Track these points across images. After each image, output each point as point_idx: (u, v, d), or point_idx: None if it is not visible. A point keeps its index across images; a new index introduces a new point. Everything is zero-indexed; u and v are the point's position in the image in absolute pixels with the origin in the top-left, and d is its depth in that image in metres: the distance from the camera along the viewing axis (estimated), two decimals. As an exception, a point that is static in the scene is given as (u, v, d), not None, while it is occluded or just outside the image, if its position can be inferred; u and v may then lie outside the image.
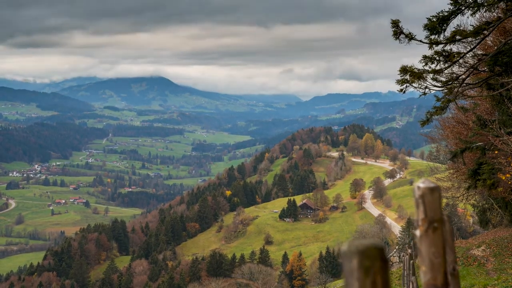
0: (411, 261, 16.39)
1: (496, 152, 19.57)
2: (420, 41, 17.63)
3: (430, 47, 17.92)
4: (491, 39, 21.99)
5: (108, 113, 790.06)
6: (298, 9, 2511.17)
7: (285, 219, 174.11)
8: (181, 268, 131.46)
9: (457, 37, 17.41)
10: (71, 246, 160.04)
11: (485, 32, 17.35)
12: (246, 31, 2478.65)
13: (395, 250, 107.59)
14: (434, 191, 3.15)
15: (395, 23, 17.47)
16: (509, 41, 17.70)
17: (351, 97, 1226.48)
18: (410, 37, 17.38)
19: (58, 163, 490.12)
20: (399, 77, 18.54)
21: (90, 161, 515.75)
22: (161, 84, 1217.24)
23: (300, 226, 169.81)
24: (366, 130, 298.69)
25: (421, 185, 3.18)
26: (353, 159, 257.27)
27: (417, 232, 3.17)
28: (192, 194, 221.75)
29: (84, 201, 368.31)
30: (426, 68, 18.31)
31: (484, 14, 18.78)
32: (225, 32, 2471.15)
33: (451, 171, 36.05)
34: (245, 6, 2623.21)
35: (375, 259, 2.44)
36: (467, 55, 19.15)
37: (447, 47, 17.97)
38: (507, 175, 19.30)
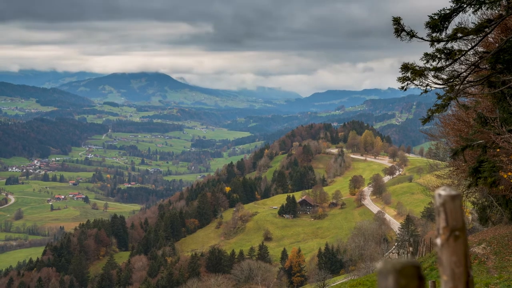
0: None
1: (498, 150, 19.52)
2: (422, 38, 17.54)
3: (432, 45, 17.84)
4: (493, 36, 21.91)
5: (108, 108, 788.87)
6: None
7: (284, 215, 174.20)
8: (180, 264, 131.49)
9: (459, 35, 17.32)
10: (70, 241, 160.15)
11: (487, 29, 17.26)
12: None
13: (394, 247, 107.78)
14: (455, 199, 3.04)
15: (397, 21, 17.37)
16: (510, 39, 17.61)
17: (351, 93, 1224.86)
18: (412, 34, 17.29)
19: (57, 158, 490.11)
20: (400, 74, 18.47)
21: (89, 156, 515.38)
22: (160, 80, 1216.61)
23: (299, 223, 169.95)
24: (366, 127, 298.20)
25: (442, 192, 3.05)
26: (353, 156, 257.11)
27: (438, 241, 3.06)
28: (191, 190, 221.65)
29: (84, 196, 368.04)
30: (428, 65, 18.23)
31: (486, 11, 18.67)
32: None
33: (452, 168, 36.01)
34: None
35: (411, 277, 2.41)
36: (469, 53, 19.06)
37: (449, 45, 17.89)
38: (509, 173, 19.24)
